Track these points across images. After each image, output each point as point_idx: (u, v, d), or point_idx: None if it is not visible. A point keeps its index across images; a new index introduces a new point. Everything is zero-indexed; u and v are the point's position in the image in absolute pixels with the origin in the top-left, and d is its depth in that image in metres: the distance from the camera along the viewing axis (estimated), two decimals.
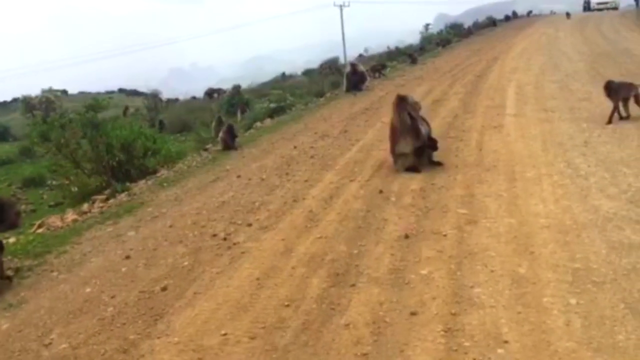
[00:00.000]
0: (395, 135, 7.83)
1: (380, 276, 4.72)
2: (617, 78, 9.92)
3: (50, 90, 35.87)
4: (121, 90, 77.06)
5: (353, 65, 17.76)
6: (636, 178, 6.69)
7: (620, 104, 9.33)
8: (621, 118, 9.34)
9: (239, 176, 8.61)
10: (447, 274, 4.65)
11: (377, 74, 21.32)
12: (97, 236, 6.71)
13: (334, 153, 9.41)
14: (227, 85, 46.55)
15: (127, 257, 5.74)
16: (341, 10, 58.85)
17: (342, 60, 39.41)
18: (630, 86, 9.37)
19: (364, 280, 4.68)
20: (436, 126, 10.48)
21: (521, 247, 5.07)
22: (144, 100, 34.75)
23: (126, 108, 34.24)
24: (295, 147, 10.19)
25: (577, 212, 5.78)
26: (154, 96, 33.26)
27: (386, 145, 8.24)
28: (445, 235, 5.45)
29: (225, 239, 5.90)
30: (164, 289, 4.86)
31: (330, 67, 31.37)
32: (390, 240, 5.47)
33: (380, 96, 15.80)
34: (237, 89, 26.30)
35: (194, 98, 48.42)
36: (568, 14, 44.84)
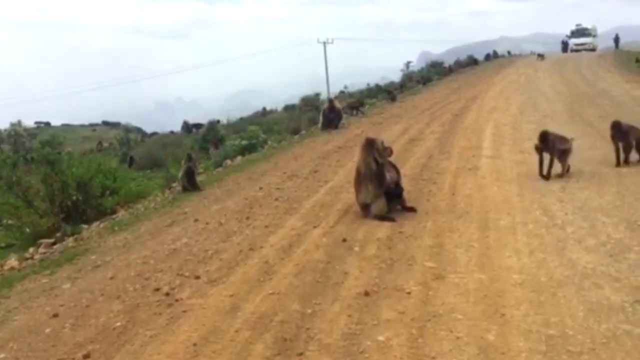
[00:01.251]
0: (358, 182, 7.41)
1: (333, 343, 4.21)
2: (553, 129, 9.37)
3: (19, 124, 35.08)
4: (105, 123, 76.75)
5: (331, 101, 17.48)
6: (615, 228, 6.32)
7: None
8: (545, 176, 8.57)
9: (196, 220, 8.10)
10: (407, 341, 4.16)
11: (354, 112, 21.08)
12: (29, 289, 6.10)
13: (300, 195, 8.96)
14: (211, 119, 46.28)
15: (55, 316, 5.15)
16: (324, 47, 59.33)
17: (324, 97, 39.26)
18: (563, 140, 8.74)
19: (314, 347, 4.16)
20: (410, 167, 10.15)
21: (491, 308, 4.61)
22: (116, 134, 34.15)
23: (99, 143, 33.58)
24: (260, 188, 9.72)
25: (553, 267, 5.36)
26: (126, 130, 32.62)
27: None
28: (409, 293, 4.97)
29: (168, 294, 5.36)
30: (86, 356, 4.29)
31: (307, 103, 31.14)
32: (348, 297, 4.97)
33: (355, 134, 15.46)
34: (213, 124, 25.87)
35: (172, 132, 48.04)
36: (540, 56, 45.01)
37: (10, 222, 10.32)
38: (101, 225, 8.97)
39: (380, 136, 14.67)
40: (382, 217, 7.20)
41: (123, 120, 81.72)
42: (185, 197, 9.88)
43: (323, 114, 17.09)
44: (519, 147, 11.36)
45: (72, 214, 10.41)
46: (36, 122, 75.12)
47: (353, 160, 11.31)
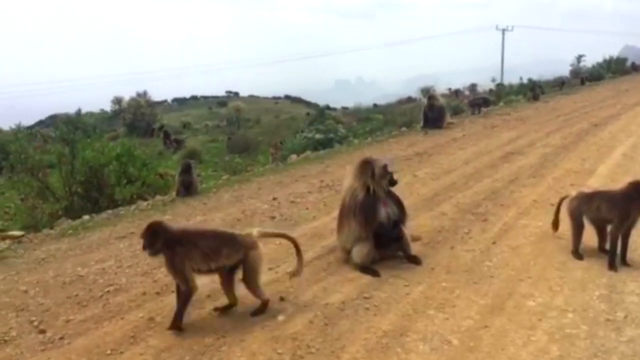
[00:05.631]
0: (341, 217, 5.58)
1: None
2: None
3: (144, 95, 36.35)
4: (287, 97, 79.67)
5: (431, 98, 15.29)
6: None
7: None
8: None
9: None
10: None
11: (476, 109, 18.61)
12: None
13: (306, 215, 7.29)
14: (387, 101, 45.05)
15: None
16: (503, 34, 56.03)
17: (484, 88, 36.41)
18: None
19: None
20: (474, 192, 8.10)
21: None
22: (226, 113, 34.10)
23: (226, 120, 33.52)
24: (274, 199, 8.17)
25: None
26: (236, 110, 32.33)
27: None
28: None
29: None
30: None
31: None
32: None
33: (453, 138, 13.27)
34: (322, 109, 24.51)
35: (307, 114, 47.71)
36: None
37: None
38: (73, 223, 7.98)
39: (480, 143, 12.50)
40: (363, 269, 5.34)
41: (304, 96, 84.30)
42: (183, 201, 8.58)
43: (423, 111, 15.05)
44: None
45: (83, 201, 9.64)
46: (227, 92, 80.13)
47: (414, 174, 9.42)
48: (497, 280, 5.12)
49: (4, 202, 12.77)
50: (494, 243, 6.04)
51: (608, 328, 4.25)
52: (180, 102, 78.08)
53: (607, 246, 5.55)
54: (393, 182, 5.59)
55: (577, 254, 5.65)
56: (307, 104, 72.25)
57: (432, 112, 14.71)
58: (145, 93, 35.88)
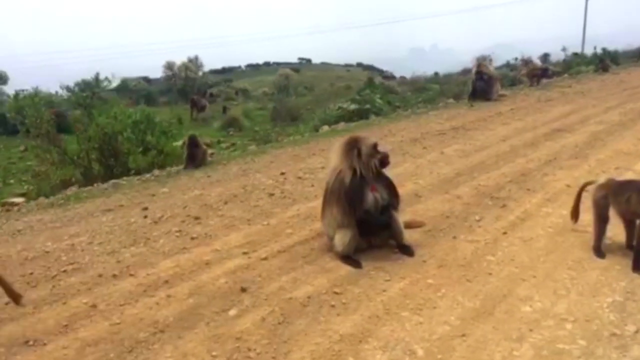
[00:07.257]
0: (324, 202, 5.06)
1: None
2: None
3: (195, 60, 36.31)
4: (359, 65, 79.16)
5: (479, 66, 14.33)
6: None
7: None
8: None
9: (145, 208, 6.44)
10: None
11: (534, 81, 17.48)
12: None
13: (307, 194, 6.81)
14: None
15: None
16: (586, 1, 52.11)
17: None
18: None
19: None
20: (501, 174, 7.44)
21: None
22: (275, 79, 33.64)
23: (280, 87, 33.12)
24: (282, 174, 7.73)
25: None
26: (285, 77, 31.81)
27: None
28: None
29: None
30: None
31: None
32: None
33: (498, 112, 12.39)
34: (371, 79, 23.71)
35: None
36: None
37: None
38: (67, 193, 7.79)
39: (527, 117, 11.61)
40: (344, 258, 4.83)
41: (377, 63, 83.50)
42: (187, 173, 8.24)
43: (472, 82, 14.16)
44: None
45: (103, 168, 9.49)
46: (299, 58, 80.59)
47: (442, 151, 8.79)
48: (494, 278, 4.50)
49: (34, 166, 12.89)
50: (504, 233, 5.39)
51: (611, 345, 3.59)
52: (253, 67, 78.49)
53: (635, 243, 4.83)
54: (384, 163, 4.98)
55: (599, 251, 4.94)
56: (380, 71, 70.95)
57: (480, 82, 13.81)
58: (196, 58, 35.94)
